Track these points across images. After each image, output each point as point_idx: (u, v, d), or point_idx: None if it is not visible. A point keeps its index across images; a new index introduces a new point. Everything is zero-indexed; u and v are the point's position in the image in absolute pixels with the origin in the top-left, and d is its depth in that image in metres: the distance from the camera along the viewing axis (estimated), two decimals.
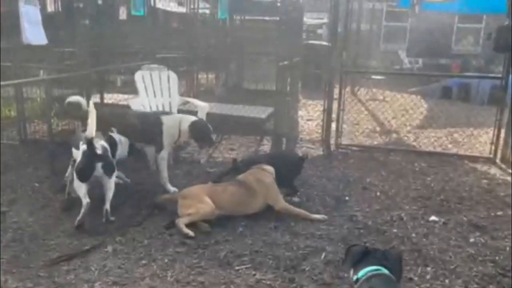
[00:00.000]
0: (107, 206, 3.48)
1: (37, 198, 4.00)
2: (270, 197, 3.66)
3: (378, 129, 7.28)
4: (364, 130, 7.07)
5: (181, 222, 3.37)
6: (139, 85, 5.33)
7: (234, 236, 3.37)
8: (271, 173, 3.81)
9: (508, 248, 3.29)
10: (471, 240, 3.41)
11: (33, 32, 4.31)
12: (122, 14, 6.85)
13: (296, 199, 4.04)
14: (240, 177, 3.80)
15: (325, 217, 3.69)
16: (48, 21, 5.26)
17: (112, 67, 7.21)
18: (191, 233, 3.30)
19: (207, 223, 3.43)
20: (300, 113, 8.13)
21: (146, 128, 4.16)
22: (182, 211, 3.47)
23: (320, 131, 6.45)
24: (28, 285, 2.72)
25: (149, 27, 7.59)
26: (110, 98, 7.28)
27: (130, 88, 5.44)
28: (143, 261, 3.00)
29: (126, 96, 7.01)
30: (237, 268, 2.94)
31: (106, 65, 6.91)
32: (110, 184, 3.50)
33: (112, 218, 3.50)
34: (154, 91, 5.43)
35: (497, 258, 3.15)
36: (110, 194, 3.50)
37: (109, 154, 3.62)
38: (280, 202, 3.68)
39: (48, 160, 4.74)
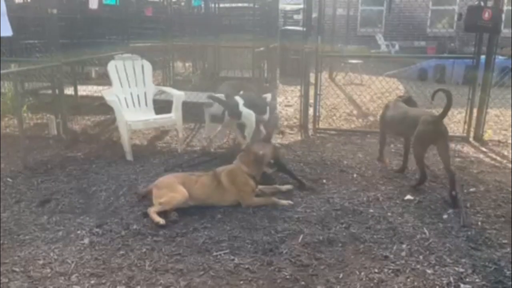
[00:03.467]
0: None
1: (10, 193, 3.91)
2: (240, 196, 3.65)
3: (355, 112, 7.34)
4: (342, 114, 7.12)
5: (152, 211, 3.37)
6: (112, 75, 5.23)
7: (212, 223, 3.37)
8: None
9: (479, 223, 3.39)
10: (445, 216, 3.50)
11: None
12: (93, 2, 6.65)
13: (269, 170, 4.08)
14: (219, 169, 3.76)
15: (291, 202, 3.70)
16: (17, 12, 5.09)
17: (86, 58, 7.04)
18: (162, 221, 3.28)
19: (178, 212, 3.41)
20: (278, 99, 8.13)
21: None
22: (155, 200, 3.47)
23: (298, 116, 6.48)
24: (3, 281, 2.67)
25: (122, 16, 7.43)
26: (84, 90, 7.14)
27: (106, 79, 5.35)
28: (121, 252, 2.97)
29: (101, 87, 6.88)
30: (215, 254, 2.95)
31: (79, 57, 6.75)
32: None
33: None
34: (128, 80, 5.33)
35: (469, 233, 3.24)
36: None
37: None
38: (247, 201, 3.64)
39: (21, 155, 4.64)
